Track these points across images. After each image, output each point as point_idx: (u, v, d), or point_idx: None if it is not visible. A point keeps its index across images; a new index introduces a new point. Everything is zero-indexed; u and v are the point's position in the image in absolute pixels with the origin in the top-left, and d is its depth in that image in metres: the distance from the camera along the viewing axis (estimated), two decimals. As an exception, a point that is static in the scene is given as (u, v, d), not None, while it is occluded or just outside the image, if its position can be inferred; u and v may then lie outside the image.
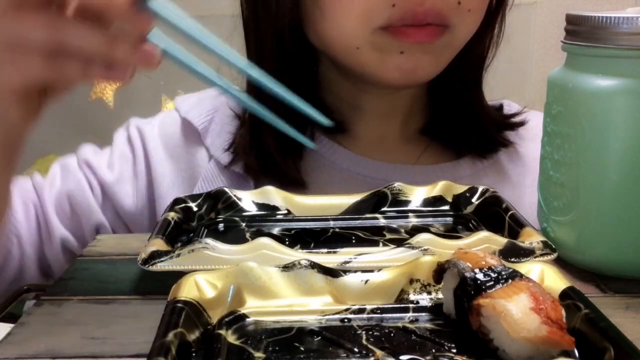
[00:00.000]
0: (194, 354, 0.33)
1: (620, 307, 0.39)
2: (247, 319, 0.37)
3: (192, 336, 0.34)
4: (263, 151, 0.64)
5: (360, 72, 0.62)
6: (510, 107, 0.74)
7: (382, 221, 0.51)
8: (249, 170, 0.65)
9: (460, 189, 0.54)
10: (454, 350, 0.34)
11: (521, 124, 0.71)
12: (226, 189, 0.54)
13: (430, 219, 0.52)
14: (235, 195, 0.54)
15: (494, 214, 0.50)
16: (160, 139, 0.68)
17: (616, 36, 0.40)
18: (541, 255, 0.42)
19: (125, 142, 0.69)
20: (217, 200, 0.53)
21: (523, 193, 0.65)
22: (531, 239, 0.44)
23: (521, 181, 0.68)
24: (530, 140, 0.71)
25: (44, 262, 0.63)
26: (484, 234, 0.44)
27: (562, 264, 0.44)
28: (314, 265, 0.39)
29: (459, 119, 0.69)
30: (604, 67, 0.41)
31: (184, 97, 0.72)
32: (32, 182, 0.65)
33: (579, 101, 0.42)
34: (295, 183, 0.64)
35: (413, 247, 0.43)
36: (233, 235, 0.50)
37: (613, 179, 0.41)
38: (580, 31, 0.42)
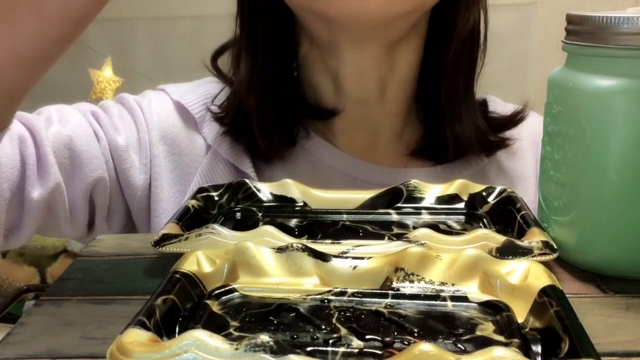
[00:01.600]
0: (180, 320, 0.36)
1: (620, 307, 0.39)
2: (235, 293, 0.39)
3: (186, 304, 0.37)
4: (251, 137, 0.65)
5: (315, 9, 0.60)
6: (495, 104, 0.73)
7: (393, 217, 0.51)
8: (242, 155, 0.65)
9: (477, 188, 0.53)
10: (415, 335, 0.34)
11: (518, 122, 0.70)
12: (247, 180, 0.56)
13: (442, 216, 0.52)
14: (254, 186, 0.55)
15: (508, 214, 0.50)
16: (157, 117, 0.67)
17: (616, 36, 0.40)
18: (540, 254, 0.42)
19: (122, 109, 0.66)
20: (237, 191, 0.55)
21: (524, 190, 0.65)
22: (533, 238, 0.44)
23: (513, 181, 0.68)
24: (523, 139, 0.71)
25: (15, 208, 0.57)
26: (482, 231, 0.44)
27: (562, 264, 0.44)
28: (305, 249, 0.41)
29: (451, 132, 0.68)
30: (605, 67, 0.41)
31: (171, 85, 0.71)
32: (17, 117, 0.59)
33: (579, 101, 0.42)
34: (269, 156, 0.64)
35: (410, 241, 0.43)
36: (248, 223, 0.51)
37: (613, 179, 0.41)
38: (581, 31, 0.42)
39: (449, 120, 0.67)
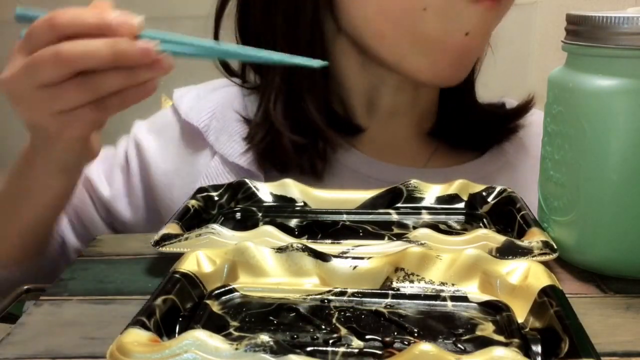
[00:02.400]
0: (180, 320, 0.36)
1: (620, 307, 0.39)
2: (235, 293, 0.39)
3: (186, 304, 0.37)
4: (280, 149, 0.64)
5: (402, 65, 0.61)
6: (511, 104, 0.74)
7: (393, 217, 0.51)
8: (263, 164, 0.65)
9: (477, 188, 0.53)
10: (415, 335, 0.34)
11: (525, 110, 0.71)
12: (247, 180, 0.56)
13: (443, 216, 0.52)
14: (254, 186, 0.55)
15: (508, 214, 0.50)
16: (159, 146, 0.69)
17: (616, 36, 0.40)
18: (540, 254, 0.42)
19: (122, 154, 0.71)
20: (237, 191, 0.55)
21: (533, 194, 0.65)
22: (533, 238, 0.44)
23: (531, 184, 0.68)
24: (536, 137, 0.72)
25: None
26: (482, 231, 0.44)
27: (562, 264, 0.44)
28: (305, 249, 0.41)
29: (465, 116, 0.69)
30: (604, 67, 0.41)
31: (182, 91, 0.72)
32: None
33: (579, 101, 0.42)
34: (311, 177, 0.64)
35: (410, 241, 0.43)
36: (248, 223, 0.51)
37: (613, 179, 0.41)
38: (581, 31, 0.42)
39: (464, 114, 0.70)
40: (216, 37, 0.70)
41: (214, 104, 0.69)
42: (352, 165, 0.66)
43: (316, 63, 0.49)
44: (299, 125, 0.65)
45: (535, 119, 0.72)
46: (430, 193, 0.54)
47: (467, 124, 0.70)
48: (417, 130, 0.71)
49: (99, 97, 0.50)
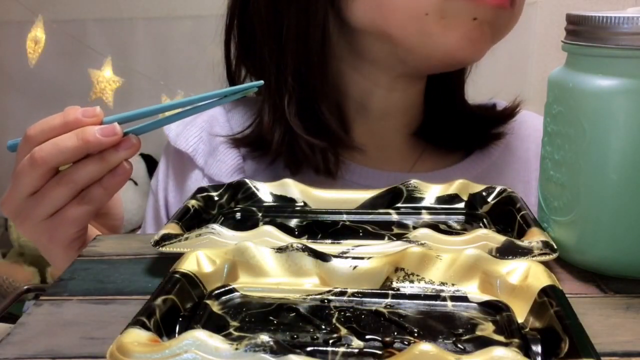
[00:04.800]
0: (180, 320, 0.36)
1: (620, 307, 0.39)
2: (235, 293, 0.39)
3: (186, 304, 0.37)
4: (297, 150, 0.65)
5: (416, 46, 0.61)
6: (501, 106, 0.74)
7: (393, 217, 0.51)
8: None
9: (477, 188, 0.53)
10: (415, 335, 0.34)
11: (511, 115, 0.71)
12: (247, 180, 0.56)
13: (442, 216, 0.52)
14: (254, 186, 0.55)
15: (508, 214, 0.50)
16: (165, 166, 0.73)
17: (616, 36, 0.40)
18: (540, 254, 0.42)
19: (151, 198, 0.75)
20: (237, 191, 0.55)
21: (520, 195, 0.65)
22: (533, 238, 0.44)
23: (517, 185, 0.68)
24: (523, 140, 0.71)
25: None
26: (482, 231, 0.44)
27: (562, 264, 0.44)
28: (305, 249, 0.41)
29: (452, 117, 0.70)
30: (605, 67, 0.41)
31: (174, 126, 0.74)
32: None
33: (579, 101, 0.42)
34: (324, 177, 0.65)
35: (410, 241, 0.43)
36: (248, 223, 0.51)
37: (613, 179, 0.41)
38: (581, 31, 0.42)
39: (450, 115, 0.70)
40: (228, 60, 0.70)
41: (199, 128, 0.71)
42: (338, 173, 0.66)
43: (255, 85, 0.54)
44: (312, 126, 0.65)
45: (523, 120, 0.72)
46: (430, 193, 0.54)
47: (454, 125, 0.70)
48: (404, 132, 0.71)
49: (79, 188, 0.54)
